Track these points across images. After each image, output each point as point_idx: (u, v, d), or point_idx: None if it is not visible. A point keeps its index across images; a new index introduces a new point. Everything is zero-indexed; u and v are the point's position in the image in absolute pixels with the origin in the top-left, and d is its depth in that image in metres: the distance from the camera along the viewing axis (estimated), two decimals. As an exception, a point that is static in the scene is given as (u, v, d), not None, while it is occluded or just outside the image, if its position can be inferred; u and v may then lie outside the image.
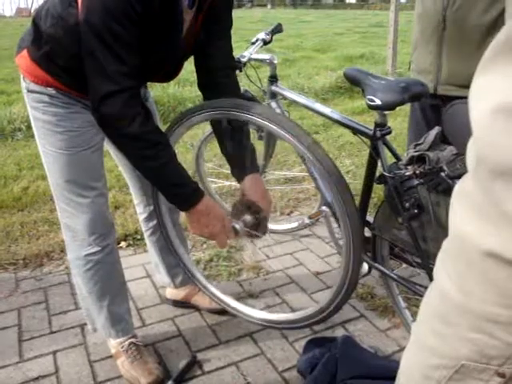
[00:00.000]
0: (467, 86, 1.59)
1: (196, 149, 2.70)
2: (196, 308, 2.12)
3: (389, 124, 1.66)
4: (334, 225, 1.99)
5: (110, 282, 1.74)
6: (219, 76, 1.62)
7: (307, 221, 2.58)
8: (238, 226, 1.56)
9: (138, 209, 1.99)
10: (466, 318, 0.43)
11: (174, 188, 1.42)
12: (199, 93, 1.71)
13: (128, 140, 1.34)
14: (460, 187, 0.45)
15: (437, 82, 1.96)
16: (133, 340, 1.81)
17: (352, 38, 12.47)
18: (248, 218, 1.59)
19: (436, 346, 0.48)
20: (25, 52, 1.47)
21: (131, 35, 1.26)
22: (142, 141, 1.33)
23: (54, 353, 1.89)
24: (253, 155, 1.63)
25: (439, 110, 1.94)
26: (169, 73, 1.59)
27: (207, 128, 2.36)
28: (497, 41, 0.40)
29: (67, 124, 1.49)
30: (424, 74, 1.99)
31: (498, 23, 1.74)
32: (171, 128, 1.61)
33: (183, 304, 2.13)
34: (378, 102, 1.52)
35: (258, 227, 1.61)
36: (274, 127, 1.40)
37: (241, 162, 1.61)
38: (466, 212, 0.44)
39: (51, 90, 1.46)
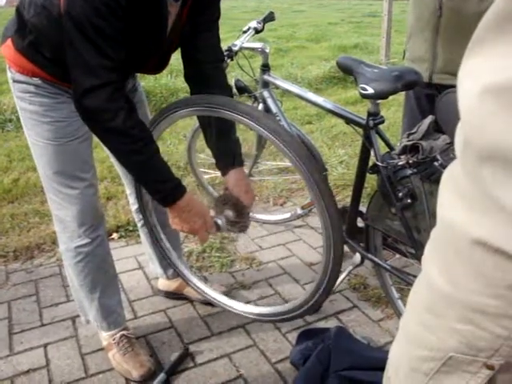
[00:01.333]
0: None
1: (188, 139, 2.68)
2: (188, 299, 2.10)
3: (382, 114, 1.64)
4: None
5: (100, 274, 1.72)
6: (206, 68, 1.57)
7: (300, 211, 2.56)
8: (220, 222, 1.54)
9: (130, 199, 1.97)
10: (453, 309, 0.42)
11: (155, 184, 1.40)
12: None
13: (111, 134, 1.31)
14: (448, 174, 0.43)
15: (432, 70, 1.92)
16: (124, 332, 1.80)
17: (346, 28, 12.41)
18: (230, 213, 1.57)
19: (424, 337, 0.47)
20: (9, 41, 1.44)
21: (114, 29, 1.22)
22: (125, 135, 1.30)
23: (45, 345, 1.88)
24: (238, 149, 1.60)
25: (434, 99, 1.92)
26: (156, 65, 1.56)
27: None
28: (485, 21, 0.38)
29: (54, 114, 1.47)
30: (419, 62, 1.95)
31: None
32: (154, 122, 1.58)
33: (175, 295, 2.12)
34: (370, 90, 1.50)
35: (240, 223, 1.58)
36: (260, 128, 1.33)
37: (225, 155, 1.59)
38: (454, 199, 0.42)
39: (37, 80, 1.44)
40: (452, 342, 0.44)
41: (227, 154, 1.58)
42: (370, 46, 8.50)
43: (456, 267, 0.41)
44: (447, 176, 0.43)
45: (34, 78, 1.44)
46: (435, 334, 0.45)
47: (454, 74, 1.66)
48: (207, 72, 1.58)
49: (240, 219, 1.57)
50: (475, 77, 0.39)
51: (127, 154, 1.35)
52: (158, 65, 1.56)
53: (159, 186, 1.39)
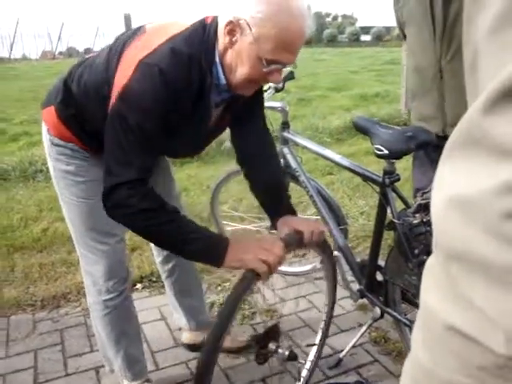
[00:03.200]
0: None
1: (212, 191, 2.75)
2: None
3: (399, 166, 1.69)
4: (346, 268, 2.01)
5: (126, 325, 1.77)
6: (256, 154, 1.66)
7: (320, 265, 2.59)
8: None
9: (154, 251, 2.03)
10: (434, 383, 0.47)
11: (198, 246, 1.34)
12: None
13: (137, 215, 1.29)
14: (429, 262, 0.48)
15: (444, 124, 2.00)
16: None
17: (367, 76, 12.61)
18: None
19: None
20: (52, 109, 1.52)
21: (160, 131, 1.29)
22: (155, 210, 1.29)
23: (69, 396, 1.92)
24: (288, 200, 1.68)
25: (441, 147, 1.99)
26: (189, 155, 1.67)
27: (223, 170, 2.41)
28: (456, 133, 0.43)
29: (87, 174, 1.55)
30: (428, 120, 2.04)
31: None
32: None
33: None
34: (385, 151, 1.56)
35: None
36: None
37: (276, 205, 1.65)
38: (431, 286, 0.47)
39: (73, 146, 1.53)
40: None
41: (278, 205, 1.64)
42: (391, 94, 8.62)
43: (435, 348, 0.46)
44: (428, 264, 0.49)
45: (70, 143, 1.53)
46: None
47: None
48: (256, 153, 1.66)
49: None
50: (444, 185, 0.44)
51: (159, 226, 1.31)
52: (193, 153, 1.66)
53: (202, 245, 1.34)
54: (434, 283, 0.46)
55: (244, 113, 1.58)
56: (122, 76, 1.27)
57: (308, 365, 1.88)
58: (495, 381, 0.41)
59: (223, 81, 1.34)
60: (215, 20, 1.31)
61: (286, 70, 2.47)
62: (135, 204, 1.26)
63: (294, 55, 1.29)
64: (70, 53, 31.77)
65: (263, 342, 1.58)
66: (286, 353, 1.49)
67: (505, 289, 0.38)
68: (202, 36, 1.30)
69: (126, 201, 1.26)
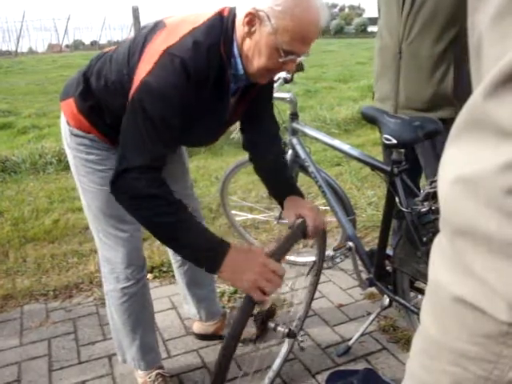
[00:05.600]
0: (422, 110, 1.71)
1: (221, 182, 2.78)
2: (221, 339, 2.16)
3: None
4: (356, 257, 2.03)
5: (143, 313, 1.80)
6: (263, 144, 1.72)
7: (331, 253, 2.61)
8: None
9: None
10: (444, 353, 0.50)
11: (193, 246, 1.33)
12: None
13: (142, 200, 1.29)
14: (437, 238, 0.51)
15: (396, 106, 2.09)
16: (160, 371, 1.86)
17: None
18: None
19: (423, 378, 0.54)
20: (71, 101, 1.55)
21: (177, 121, 1.31)
22: (160, 199, 1.29)
23: (83, 383, 1.95)
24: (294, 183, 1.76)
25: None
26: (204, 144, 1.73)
27: (232, 161, 2.43)
28: (461, 117, 0.46)
29: (107, 163, 1.57)
30: (385, 100, 2.14)
31: (446, 55, 1.92)
32: None
33: (211, 337, 2.17)
34: (393, 140, 1.58)
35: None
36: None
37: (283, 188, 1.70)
38: (439, 261, 0.50)
39: (92, 136, 1.56)
40: (445, 382, 0.51)
41: (283, 184, 1.71)
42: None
43: (444, 318, 0.49)
44: (436, 240, 0.52)
45: (90, 134, 1.56)
46: (432, 375, 0.52)
47: (415, 109, 1.86)
48: (264, 146, 1.71)
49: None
50: (450, 166, 0.47)
51: (162, 216, 1.30)
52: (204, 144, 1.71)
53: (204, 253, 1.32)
54: (441, 258, 0.49)
55: (255, 102, 1.61)
56: (145, 65, 1.30)
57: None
58: (499, 347, 0.45)
59: (241, 71, 1.38)
60: (232, 11, 1.35)
61: (299, 60, 2.48)
62: (142, 188, 1.26)
63: (308, 47, 1.34)
64: (77, 46, 31.85)
65: (261, 323, 1.62)
66: (286, 330, 1.52)
67: (506, 260, 0.42)
68: (220, 27, 1.33)
69: (133, 184, 1.27)
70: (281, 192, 1.69)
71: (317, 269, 1.91)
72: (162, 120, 1.27)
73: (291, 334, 1.54)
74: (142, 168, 1.27)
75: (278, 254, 1.42)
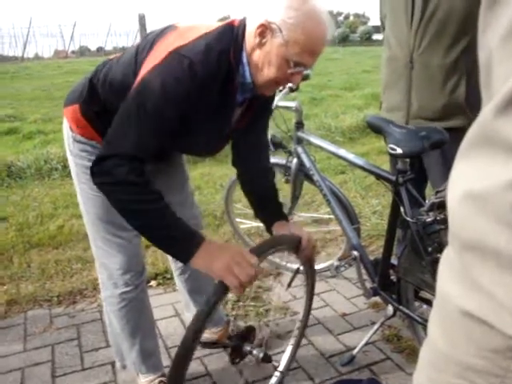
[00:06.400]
0: (434, 119, 1.70)
1: (226, 189, 2.78)
2: (224, 347, 2.15)
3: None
4: (360, 266, 2.03)
5: (142, 319, 1.80)
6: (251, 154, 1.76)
7: (336, 262, 2.60)
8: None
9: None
10: (451, 366, 0.50)
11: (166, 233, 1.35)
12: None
13: (121, 185, 1.29)
14: (446, 251, 0.52)
15: (408, 116, 2.07)
16: (162, 379, 1.85)
17: (379, 76, 12.48)
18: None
19: None
20: (76, 107, 1.56)
21: (174, 120, 1.31)
22: (139, 186, 1.30)
23: (86, 389, 1.95)
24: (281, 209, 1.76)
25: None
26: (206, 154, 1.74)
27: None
28: (471, 133, 0.46)
29: None
30: (395, 110, 2.11)
31: (458, 64, 1.91)
32: None
33: (214, 345, 2.16)
34: (399, 150, 1.58)
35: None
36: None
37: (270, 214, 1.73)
38: (447, 274, 0.50)
39: (94, 143, 1.57)
40: None
41: (272, 214, 1.73)
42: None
43: (451, 332, 0.49)
44: (445, 253, 0.52)
45: (92, 141, 1.57)
46: None
47: (427, 119, 1.86)
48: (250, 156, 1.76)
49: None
50: (460, 181, 0.47)
51: (139, 203, 1.31)
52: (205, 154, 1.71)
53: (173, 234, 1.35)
54: (450, 271, 0.50)
55: (254, 118, 1.62)
56: (152, 61, 1.31)
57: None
58: (506, 362, 0.45)
59: (249, 79, 1.40)
60: (242, 23, 1.37)
61: (305, 73, 2.49)
62: (121, 174, 1.27)
63: (315, 59, 1.37)
64: (83, 52, 32.02)
65: (237, 342, 1.62)
66: (261, 355, 1.51)
67: None
68: (231, 35, 1.35)
69: (113, 169, 1.27)
70: (270, 216, 1.72)
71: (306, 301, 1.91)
72: (156, 108, 1.27)
73: (266, 359, 1.54)
74: (127, 156, 1.27)
75: (258, 250, 1.44)
